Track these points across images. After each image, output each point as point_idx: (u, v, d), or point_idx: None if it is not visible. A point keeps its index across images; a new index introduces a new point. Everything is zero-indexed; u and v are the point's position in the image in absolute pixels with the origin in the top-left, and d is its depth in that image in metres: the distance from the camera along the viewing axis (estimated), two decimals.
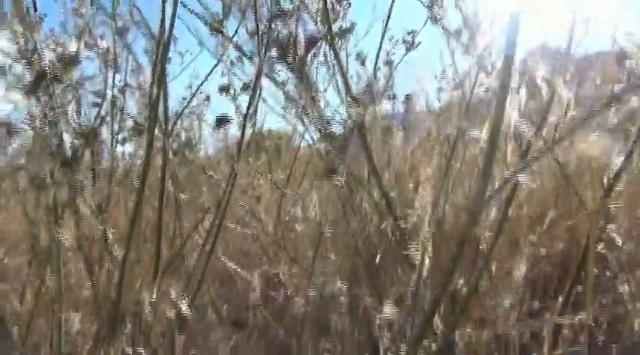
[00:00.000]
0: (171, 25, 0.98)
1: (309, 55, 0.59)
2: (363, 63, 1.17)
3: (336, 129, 0.82)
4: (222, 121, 0.76)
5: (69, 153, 0.56)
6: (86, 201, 0.66)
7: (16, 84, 0.50)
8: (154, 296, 0.78)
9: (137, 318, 0.85)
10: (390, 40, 1.34)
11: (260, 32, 0.63)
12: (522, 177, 0.52)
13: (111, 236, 0.66)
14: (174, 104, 1.84)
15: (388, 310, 0.44)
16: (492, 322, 0.99)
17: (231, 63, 1.52)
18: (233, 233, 2.38)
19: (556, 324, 1.07)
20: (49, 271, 0.97)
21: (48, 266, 1.01)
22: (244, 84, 0.85)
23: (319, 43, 0.62)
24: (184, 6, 1.02)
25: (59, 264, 0.86)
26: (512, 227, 1.50)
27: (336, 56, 0.86)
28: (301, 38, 0.57)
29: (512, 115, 0.50)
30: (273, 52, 0.59)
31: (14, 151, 0.61)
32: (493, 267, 1.09)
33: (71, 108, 0.57)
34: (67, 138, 0.60)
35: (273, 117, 2.18)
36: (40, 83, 0.49)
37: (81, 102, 0.64)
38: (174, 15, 0.98)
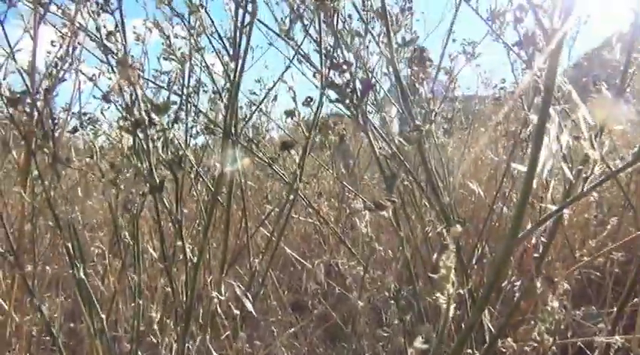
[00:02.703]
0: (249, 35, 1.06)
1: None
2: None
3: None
4: (286, 145, 0.82)
5: (157, 179, 0.65)
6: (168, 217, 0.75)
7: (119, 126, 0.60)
8: (221, 293, 0.86)
9: (206, 312, 0.93)
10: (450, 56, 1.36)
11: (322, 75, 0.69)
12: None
13: (188, 245, 0.74)
14: (243, 98, 1.94)
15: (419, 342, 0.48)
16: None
17: (299, 61, 1.59)
18: (297, 219, 2.47)
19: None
20: (129, 261, 1.08)
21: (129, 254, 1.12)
22: (307, 98, 0.91)
23: (373, 88, 0.67)
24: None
25: (139, 258, 0.96)
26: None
27: (397, 78, 0.90)
28: (357, 84, 0.62)
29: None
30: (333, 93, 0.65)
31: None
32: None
33: (160, 144, 0.65)
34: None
35: None
36: (137, 126, 0.58)
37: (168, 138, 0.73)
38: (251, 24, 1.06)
